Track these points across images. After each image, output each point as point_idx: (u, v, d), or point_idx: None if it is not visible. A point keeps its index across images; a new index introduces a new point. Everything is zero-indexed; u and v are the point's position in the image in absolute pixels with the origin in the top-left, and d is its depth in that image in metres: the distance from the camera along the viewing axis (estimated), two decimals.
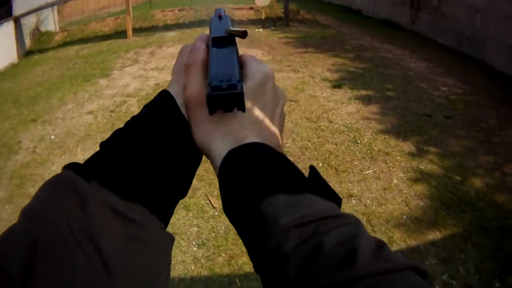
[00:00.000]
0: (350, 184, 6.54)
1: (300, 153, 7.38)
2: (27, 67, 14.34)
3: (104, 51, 14.98)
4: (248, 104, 0.86)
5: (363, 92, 9.76)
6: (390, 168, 6.91)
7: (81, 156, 7.74)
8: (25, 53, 16.16)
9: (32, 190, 6.83)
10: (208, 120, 0.86)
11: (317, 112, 8.75)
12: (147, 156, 0.82)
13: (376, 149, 7.44)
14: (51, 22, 18.22)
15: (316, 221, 0.66)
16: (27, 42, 16.76)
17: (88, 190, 0.73)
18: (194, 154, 0.92)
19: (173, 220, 5.74)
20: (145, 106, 0.92)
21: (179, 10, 19.79)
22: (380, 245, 0.66)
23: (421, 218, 5.78)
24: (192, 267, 5.18)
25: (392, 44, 14.31)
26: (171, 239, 0.86)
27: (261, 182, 0.73)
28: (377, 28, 17.30)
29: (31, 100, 10.62)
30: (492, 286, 4.71)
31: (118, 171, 0.78)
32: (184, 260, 5.26)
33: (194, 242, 5.53)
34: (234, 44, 1.00)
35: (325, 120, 8.46)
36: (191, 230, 5.74)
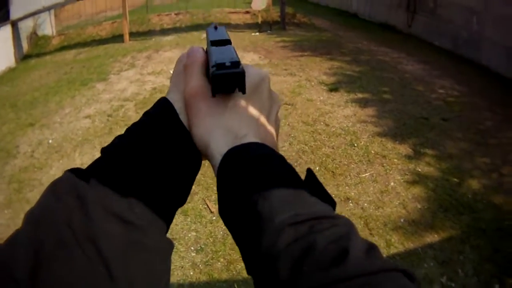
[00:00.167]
0: (347, 187, 6.54)
1: (297, 156, 7.38)
2: (25, 71, 14.37)
3: (101, 55, 15.01)
4: (245, 101, 0.90)
5: (360, 95, 9.77)
6: (387, 171, 6.90)
7: (79, 160, 7.74)
8: (23, 57, 16.16)
9: (31, 195, 6.86)
10: (208, 115, 0.87)
11: (314, 116, 8.76)
12: (147, 162, 0.82)
13: (373, 152, 7.44)
14: (48, 26, 18.24)
15: (311, 220, 0.66)
16: (25, 46, 16.77)
17: (89, 193, 0.74)
18: (193, 161, 0.92)
19: (171, 225, 5.78)
20: (145, 113, 0.92)
21: (175, 14, 19.81)
22: (372, 246, 0.65)
23: (419, 221, 5.79)
24: (191, 273, 5.18)
25: (388, 47, 14.33)
26: (170, 245, 0.87)
27: (258, 181, 0.74)
28: (374, 31, 17.33)
29: (28, 104, 10.62)
30: (492, 287, 4.71)
31: (118, 176, 0.79)
32: (183, 266, 5.25)
33: (192, 248, 5.52)
34: (231, 45, 1.01)
35: (322, 123, 8.46)
36: (189, 235, 5.73)
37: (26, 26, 16.74)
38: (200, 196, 6.48)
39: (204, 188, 6.67)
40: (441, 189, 6.41)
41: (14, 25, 15.68)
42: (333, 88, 10.14)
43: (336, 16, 20.74)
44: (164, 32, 17.98)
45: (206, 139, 0.86)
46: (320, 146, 7.66)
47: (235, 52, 0.94)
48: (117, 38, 17.23)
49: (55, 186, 0.78)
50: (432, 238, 5.49)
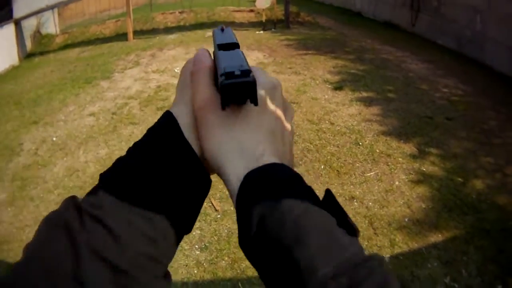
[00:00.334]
0: (352, 186, 6.55)
1: (302, 155, 7.38)
2: (28, 69, 14.39)
3: (105, 53, 15.02)
4: (258, 113, 0.84)
5: (364, 94, 9.78)
6: (392, 170, 6.91)
7: (83, 158, 7.78)
8: (26, 56, 16.18)
9: (34, 193, 6.89)
10: (219, 129, 0.82)
11: (319, 114, 8.77)
12: (148, 188, 0.79)
13: (377, 151, 7.45)
14: (51, 25, 18.22)
15: (349, 269, 0.64)
16: (28, 44, 16.77)
17: (80, 236, 0.73)
18: (200, 184, 0.87)
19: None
20: (148, 130, 0.90)
21: (179, 12, 19.79)
22: None
23: (423, 220, 5.80)
24: (195, 271, 5.19)
25: (392, 45, 14.33)
26: (167, 284, 0.83)
27: (286, 215, 0.70)
28: (378, 30, 17.31)
29: (32, 102, 10.65)
30: None
31: (113, 207, 0.77)
32: (187, 264, 5.27)
33: (196, 246, 5.53)
34: (239, 48, 0.97)
35: (327, 122, 8.48)
36: (194, 233, 5.72)
37: (29, 25, 16.74)
38: None
39: None
40: (446, 188, 6.42)
41: (18, 23, 15.71)
42: (338, 87, 10.14)
43: (340, 15, 20.72)
44: (168, 30, 17.96)
45: (219, 157, 0.82)
46: (325, 145, 7.67)
47: (244, 57, 0.90)
48: (121, 36, 17.24)
49: (49, 221, 0.79)
50: (436, 238, 5.49)
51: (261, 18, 17.54)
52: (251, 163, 0.78)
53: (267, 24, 17.23)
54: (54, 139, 8.58)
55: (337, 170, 6.94)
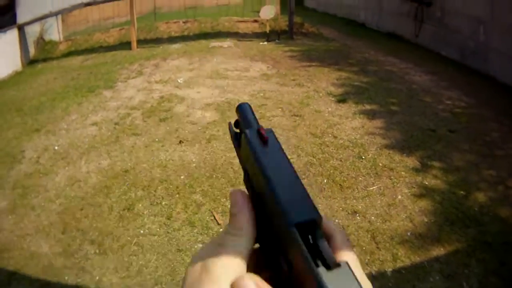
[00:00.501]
0: (354, 201, 6.57)
1: (304, 169, 7.40)
2: (31, 75, 14.46)
3: (108, 62, 15.09)
4: None
5: (368, 107, 9.80)
6: (395, 184, 6.94)
7: (85, 168, 7.80)
8: (29, 62, 16.25)
9: (36, 201, 6.92)
10: None
11: (322, 127, 8.80)
12: None
13: (380, 164, 7.47)
14: (55, 31, 18.28)
15: None
16: (31, 50, 16.84)
17: None
18: None
19: (176, 235, 5.87)
20: None
21: (183, 22, 19.85)
22: None
23: (425, 234, 5.82)
24: None
25: (396, 57, 14.39)
26: None
27: None
28: (381, 41, 17.39)
29: (34, 110, 10.69)
30: None
31: None
32: None
33: None
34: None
35: (330, 135, 8.50)
36: (196, 246, 5.75)
37: (33, 31, 16.81)
38: (207, 208, 6.50)
39: (212, 199, 6.70)
40: (448, 202, 6.44)
41: (21, 29, 15.77)
42: (341, 99, 10.17)
43: (344, 26, 20.79)
44: (172, 40, 18.01)
45: None
46: (328, 159, 7.69)
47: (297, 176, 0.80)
48: (125, 45, 17.32)
49: None
50: (438, 251, 5.52)
51: (265, 28, 17.63)
52: None
53: (271, 35, 17.31)
54: (56, 147, 8.61)
55: (340, 184, 6.96)
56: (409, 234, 5.84)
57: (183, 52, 15.53)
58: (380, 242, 5.71)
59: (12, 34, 15.31)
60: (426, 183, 6.94)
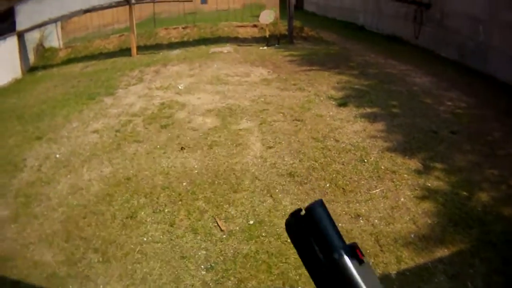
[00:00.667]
0: (357, 204, 6.57)
1: (307, 173, 7.41)
2: (31, 83, 14.49)
3: (108, 69, 15.11)
4: None
5: (369, 110, 9.81)
6: (397, 186, 6.94)
7: (87, 176, 7.81)
8: (29, 69, 16.29)
9: (38, 210, 6.93)
10: None
11: (324, 132, 8.79)
12: None
13: (383, 167, 7.48)
14: (55, 38, 18.30)
15: None
16: (31, 57, 16.87)
17: None
18: None
19: (180, 242, 5.89)
20: None
21: (183, 28, 19.93)
22: None
23: (429, 236, 5.83)
24: None
25: (396, 59, 14.40)
26: None
27: None
28: (381, 43, 17.40)
29: (35, 117, 10.69)
30: None
31: None
32: (193, 284, 5.29)
33: (202, 266, 5.56)
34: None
35: (332, 139, 8.50)
36: (199, 253, 5.77)
37: (32, 38, 16.86)
38: (210, 214, 6.52)
39: (214, 206, 6.71)
40: (451, 203, 6.45)
41: (20, 36, 15.80)
42: (342, 103, 10.18)
43: (343, 29, 20.78)
44: (172, 46, 18.06)
45: None
46: (330, 163, 7.69)
47: None
48: (125, 51, 17.36)
49: None
50: (442, 252, 5.53)
51: (265, 33, 17.62)
52: None
53: (271, 39, 17.33)
54: (58, 155, 8.62)
55: (343, 188, 6.97)
56: (412, 236, 5.84)
57: (183, 58, 15.57)
58: (384, 245, 5.72)
59: (11, 42, 15.33)
60: (429, 184, 6.94)
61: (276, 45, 16.95)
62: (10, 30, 15.24)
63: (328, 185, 7.09)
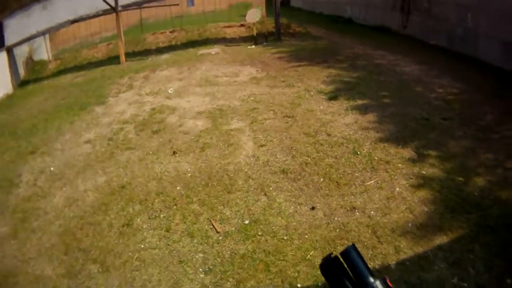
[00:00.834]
0: (352, 197, 6.53)
1: (300, 169, 7.38)
2: (22, 98, 14.47)
3: (98, 78, 15.11)
4: None
5: (359, 102, 9.80)
6: (392, 176, 6.90)
7: (82, 187, 7.79)
8: (20, 83, 16.31)
9: (36, 225, 6.91)
10: None
11: (315, 126, 8.78)
12: None
13: (376, 158, 7.44)
14: (44, 51, 18.35)
15: None
16: (21, 71, 16.90)
17: None
18: None
19: (178, 247, 5.86)
20: None
21: (170, 32, 20.03)
22: None
23: (427, 224, 5.78)
24: None
25: (385, 50, 14.40)
26: None
27: None
28: (369, 35, 17.39)
29: (28, 132, 10.68)
30: (503, 283, 4.74)
31: None
32: None
33: (200, 269, 5.52)
34: None
35: (324, 133, 8.48)
36: (197, 256, 5.73)
37: (22, 52, 16.91)
38: (205, 217, 6.49)
39: (209, 208, 6.68)
40: (447, 189, 6.40)
41: (10, 51, 15.80)
42: (333, 97, 10.17)
43: (331, 23, 20.81)
44: (160, 50, 18.10)
45: None
46: (323, 157, 7.65)
47: None
48: (113, 59, 17.40)
49: None
50: (441, 240, 5.48)
51: (252, 32, 17.71)
52: None
53: (259, 38, 17.37)
54: (52, 169, 8.61)
55: (337, 182, 6.92)
56: (410, 225, 5.79)
57: (172, 62, 15.61)
58: (381, 236, 5.66)
59: (1, 57, 15.34)
60: (424, 172, 6.90)
61: (264, 43, 16.99)
62: None
63: (321, 179, 7.04)
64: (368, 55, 13.98)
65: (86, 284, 5.53)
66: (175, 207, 6.82)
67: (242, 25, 19.74)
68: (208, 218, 6.46)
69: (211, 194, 7.02)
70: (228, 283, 5.25)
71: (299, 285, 5.07)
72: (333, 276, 1.37)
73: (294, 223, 6.08)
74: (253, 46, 16.76)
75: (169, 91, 12.13)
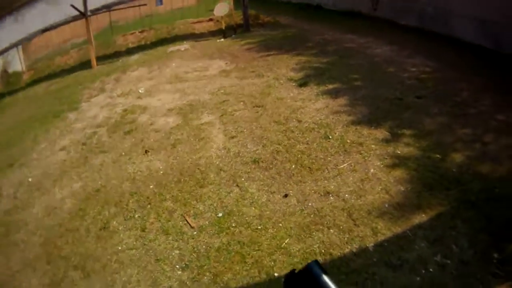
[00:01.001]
0: (326, 182, 6.42)
1: (271, 158, 7.30)
2: None
3: (71, 84, 14.95)
4: None
5: (330, 86, 9.68)
6: (365, 158, 6.79)
7: (59, 195, 7.69)
8: None
9: (18, 237, 6.81)
10: None
11: (285, 114, 8.69)
12: None
13: (348, 141, 7.33)
14: (17, 62, 18.20)
15: None
16: None
17: None
18: None
19: (154, 246, 5.81)
20: None
21: (139, 32, 20.00)
22: None
23: (404, 203, 5.68)
24: None
25: (355, 33, 14.30)
26: None
27: None
28: (339, 20, 17.26)
29: (5, 145, 10.55)
30: (490, 257, 4.63)
31: None
32: (171, 286, 5.20)
33: (177, 266, 5.47)
34: None
35: (294, 120, 8.37)
36: (173, 253, 5.69)
37: None
38: (179, 213, 6.43)
39: (182, 204, 6.62)
40: (424, 167, 6.32)
41: None
42: (303, 83, 10.05)
43: (299, 11, 20.71)
44: (130, 51, 18.01)
45: None
46: (294, 144, 7.56)
47: None
48: (85, 64, 17.21)
49: None
50: (420, 218, 5.39)
51: (221, 25, 17.61)
52: None
53: (227, 31, 17.28)
54: (30, 179, 8.51)
55: (309, 167, 6.81)
56: (386, 205, 5.68)
57: (142, 62, 15.54)
58: (357, 219, 5.56)
59: None
60: (399, 152, 6.79)
61: (233, 36, 16.94)
62: None
63: (293, 166, 6.95)
64: (338, 40, 13.88)
65: None
66: (149, 206, 6.81)
67: (210, 20, 19.70)
68: (181, 214, 6.44)
69: (183, 189, 6.98)
70: (205, 277, 5.22)
71: (276, 274, 5.02)
72: None
73: (268, 212, 6.02)
74: (222, 40, 16.71)
75: (140, 91, 12.06)
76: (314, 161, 6.96)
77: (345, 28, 15.35)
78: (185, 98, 10.73)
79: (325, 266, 4.96)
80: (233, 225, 5.94)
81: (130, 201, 7.00)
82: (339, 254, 5.06)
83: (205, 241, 5.78)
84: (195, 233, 5.97)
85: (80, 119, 11.05)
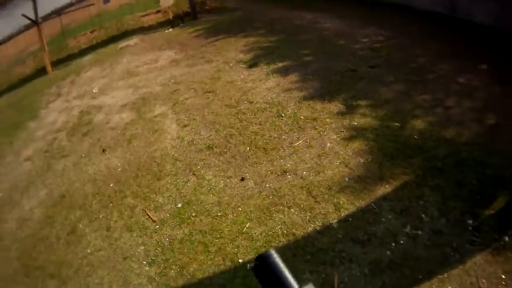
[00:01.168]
0: (282, 161, 6.23)
1: (225, 142, 7.13)
2: None
3: (29, 93, 14.77)
4: None
5: (280, 65, 9.50)
6: (321, 133, 6.59)
7: (28, 206, 7.62)
8: None
9: None
10: None
11: (236, 97, 8.50)
12: None
13: (302, 117, 7.12)
14: None
15: None
16: None
17: None
18: None
19: (119, 244, 5.84)
20: None
21: (90, 32, 19.92)
22: None
23: (365, 176, 5.49)
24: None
25: (303, 10, 14.11)
26: None
27: None
28: None
29: None
30: (465, 225, 4.48)
31: None
32: (140, 283, 5.16)
33: (144, 262, 5.44)
34: None
35: (245, 102, 8.20)
36: (139, 250, 5.66)
37: None
38: (140, 208, 6.40)
39: (142, 199, 6.59)
40: (383, 137, 6.14)
41: None
42: (252, 64, 9.89)
43: None
44: (83, 52, 17.87)
45: None
46: (246, 126, 7.38)
47: None
48: (41, 71, 17.06)
49: None
50: (384, 190, 5.21)
51: (168, 16, 17.47)
52: None
53: (175, 21, 17.14)
54: (0, 194, 8.39)
55: (264, 148, 6.64)
56: (347, 179, 5.49)
57: (95, 62, 15.45)
58: (317, 196, 5.37)
59: None
60: (355, 123, 6.60)
61: (181, 25, 16.81)
62: None
63: (248, 148, 6.79)
64: (286, 18, 13.69)
65: None
66: (111, 204, 6.82)
67: (158, 11, 19.60)
68: (143, 209, 6.41)
69: (142, 184, 6.95)
70: (172, 271, 5.18)
71: (240, 260, 4.94)
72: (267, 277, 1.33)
73: (226, 198, 5.93)
74: (171, 30, 16.58)
75: (94, 91, 11.99)
76: (268, 141, 6.79)
77: (293, 6, 15.25)
78: (137, 92, 10.63)
79: (289, 247, 4.82)
80: (193, 214, 5.87)
81: (93, 202, 6.98)
82: (302, 233, 4.91)
83: (168, 233, 5.74)
84: (157, 226, 5.93)
85: (41, 126, 10.96)
